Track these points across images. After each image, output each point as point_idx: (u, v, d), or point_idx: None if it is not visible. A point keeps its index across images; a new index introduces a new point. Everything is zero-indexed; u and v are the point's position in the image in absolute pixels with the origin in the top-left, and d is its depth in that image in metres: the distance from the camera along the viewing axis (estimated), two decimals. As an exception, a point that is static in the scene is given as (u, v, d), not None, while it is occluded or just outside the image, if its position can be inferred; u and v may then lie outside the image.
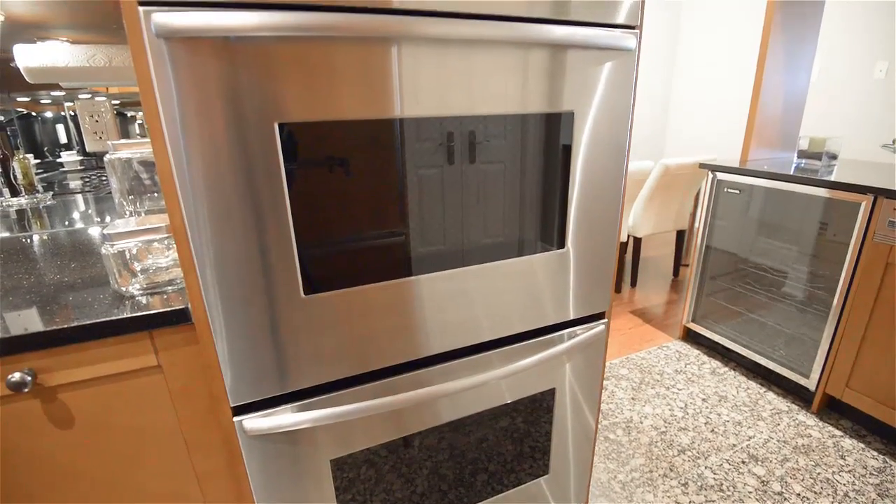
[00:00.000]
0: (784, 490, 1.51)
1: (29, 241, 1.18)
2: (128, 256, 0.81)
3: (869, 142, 2.94)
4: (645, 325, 2.64)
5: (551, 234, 0.91)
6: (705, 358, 2.29)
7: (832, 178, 1.73)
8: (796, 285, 1.91)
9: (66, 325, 0.70)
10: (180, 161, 0.60)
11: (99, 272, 0.92)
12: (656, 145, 4.51)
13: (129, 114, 2.46)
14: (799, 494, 1.49)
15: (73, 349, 0.72)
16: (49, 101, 2.33)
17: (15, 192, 1.68)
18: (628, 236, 3.07)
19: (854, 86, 2.97)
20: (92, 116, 2.04)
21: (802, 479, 1.55)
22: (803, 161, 2.06)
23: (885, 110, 2.84)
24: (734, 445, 1.71)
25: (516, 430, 1.05)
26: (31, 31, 1.60)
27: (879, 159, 2.83)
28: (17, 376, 0.68)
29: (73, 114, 2.36)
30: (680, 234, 3.24)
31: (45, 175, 2.23)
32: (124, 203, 1.02)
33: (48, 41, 1.61)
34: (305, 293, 0.73)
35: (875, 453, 1.65)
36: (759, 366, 2.11)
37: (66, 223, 1.36)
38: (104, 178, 2.07)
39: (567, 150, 0.86)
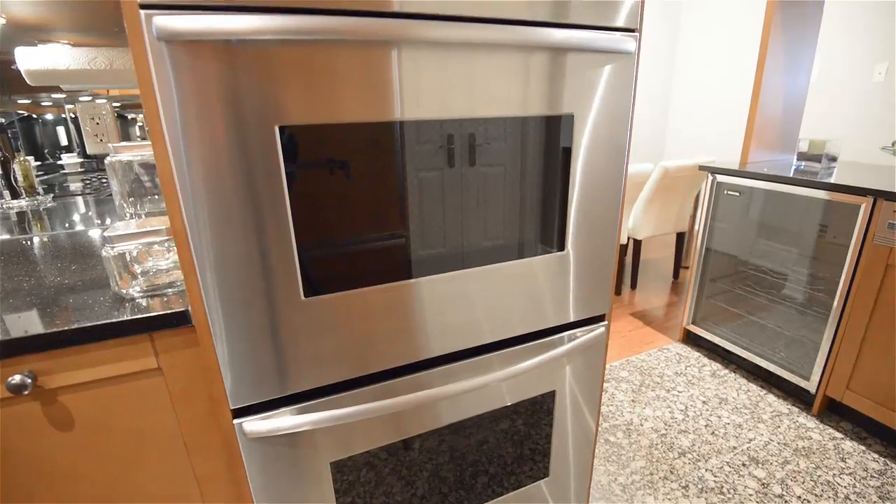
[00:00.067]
0: (785, 493, 1.50)
1: (29, 243, 1.18)
2: (128, 259, 0.82)
3: (868, 144, 2.94)
4: (645, 327, 2.64)
5: (551, 236, 0.91)
6: (705, 360, 2.28)
7: (832, 180, 1.73)
8: (796, 287, 1.91)
9: (66, 328, 0.70)
10: (181, 163, 0.61)
11: (99, 274, 0.92)
12: (656, 147, 4.51)
13: (130, 116, 2.47)
14: (800, 497, 1.48)
15: (74, 351, 0.72)
16: (50, 104, 2.34)
17: (15, 195, 1.68)
18: (628, 238, 3.07)
19: (853, 88, 2.97)
20: (93, 119, 2.04)
21: (803, 482, 1.54)
22: (803, 163, 2.06)
23: (885, 112, 2.85)
24: (734, 448, 1.71)
25: (516, 432, 1.05)
26: (32, 33, 1.60)
27: (879, 161, 2.83)
28: (17, 378, 0.68)
29: (73, 116, 2.37)
30: (680, 237, 3.24)
31: (45, 177, 2.23)
32: (125, 205, 1.02)
33: (49, 44, 1.62)
34: (306, 295, 0.73)
35: (876, 455, 1.64)
36: (760, 368, 2.11)
37: (67, 225, 1.36)
38: (104, 181, 2.07)
39: (567, 153, 0.86)
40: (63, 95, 2.27)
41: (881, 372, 1.62)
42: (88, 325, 0.71)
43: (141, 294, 0.81)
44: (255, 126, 0.62)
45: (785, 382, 2.01)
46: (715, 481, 1.56)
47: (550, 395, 1.05)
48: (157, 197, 1.04)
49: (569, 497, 1.21)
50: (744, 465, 1.63)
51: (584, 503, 1.25)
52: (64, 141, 2.48)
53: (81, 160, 2.42)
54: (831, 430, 1.78)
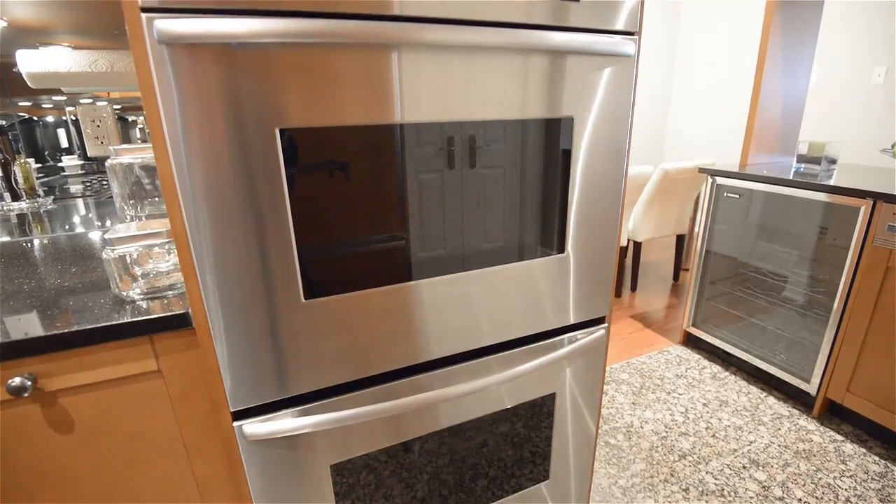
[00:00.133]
0: (785, 495, 1.50)
1: (30, 245, 1.18)
2: (128, 261, 0.82)
3: (868, 146, 2.95)
4: (645, 329, 2.64)
5: (551, 238, 0.91)
6: (706, 362, 2.28)
7: (831, 182, 1.73)
8: (796, 289, 1.91)
9: (66, 330, 0.70)
10: (181, 166, 0.61)
11: (99, 277, 0.92)
12: (655, 148, 4.52)
13: (130, 118, 2.47)
14: (800, 500, 1.48)
15: (74, 354, 0.72)
16: (50, 106, 2.34)
17: (16, 197, 1.69)
18: (628, 241, 3.07)
19: (853, 90, 2.98)
20: (93, 121, 2.04)
21: (804, 485, 1.54)
22: (802, 165, 2.07)
23: (884, 114, 2.85)
24: (735, 450, 1.70)
25: (516, 434, 1.05)
26: (33, 36, 1.61)
27: (878, 163, 2.84)
28: (17, 381, 0.68)
29: (74, 118, 2.37)
30: (680, 239, 3.24)
31: (46, 179, 2.23)
32: (125, 207, 1.02)
33: (50, 46, 1.62)
34: (306, 298, 0.73)
35: (876, 458, 1.64)
36: (760, 370, 2.11)
37: (67, 227, 1.36)
38: (105, 183, 2.07)
39: (567, 155, 0.86)
40: (64, 98, 2.27)
41: (882, 374, 1.62)
42: (89, 327, 0.71)
43: (141, 296, 0.81)
44: (256, 129, 0.63)
45: (785, 385, 2.01)
46: (715, 484, 1.56)
47: (550, 398, 1.05)
48: (157, 199, 1.04)
49: (569, 499, 1.21)
50: (744, 467, 1.62)
51: (584, 506, 1.25)
52: (64, 143, 2.49)
53: (82, 162, 2.42)
54: (832, 433, 1.78)
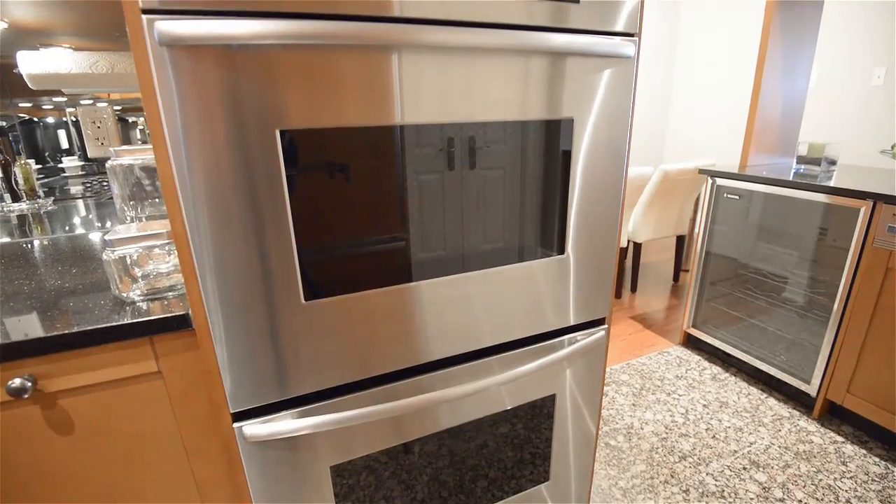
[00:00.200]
0: (786, 497, 1.50)
1: (30, 246, 1.18)
2: (129, 262, 0.82)
3: (868, 147, 2.95)
4: (645, 330, 2.64)
5: (551, 239, 0.91)
6: (706, 363, 2.28)
7: (831, 183, 1.73)
8: (797, 290, 1.91)
9: (66, 331, 0.70)
10: (182, 167, 0.61)
11: (100, 278, 0.92)
12: (655, 149, 4.52)
13: (131, 119, 2.47)
14: (801, 501, 1.48)
15: (74, 355, 0.72)
16: (51, 107, 2.35)
17: (16, 198, 1.69)
18: (628, 242, 3.07)
19: (852, 91, 2.98)
20: (94, 122, 2.05)
21: (804, 486, 1.54)
22: (802, 167, 2.07)
23: (884, 115, 2.85)
24: (735, 452, 1.70)
25: (517, 436, 1.05)
26: (34, 37, 1.61)
27: (878, 165, 2.84)
28: (17, 382, 0.68)
29: (74, 119, 2.37)
30: (680, 240, 3.24)
31: (46, 180, 2.23)
32: (126, 209, 1.02)
33: (51, 48, 1.62)
34: (306, 299, 0.73)
35: (877, 459, 1.64)
36: (760, 371, 2.11)
37: (67, 228, 1.37)
38: (105, 184, 2.07)
39: (567, 156, 0.86)
40: (64, 99, 2.27)
41: (882, 375, 1.62)
42: (89, 328, 0.71)
43: (141, 297, 0.81)
44: (256, 130, 0.63)
45: (785, 386, 2.01)
46: (716, 485, 1.55)
47: (551, 399, 1.05)
48: (157, 200, 1.04)
49: (569, 501, 1.21)
50: (745, 468, 1.62)
51: (584, 507, 1.24)
52: (65, 144, 2.49)
53: (82, 163, 2.42)
54: (832, 434, 1.77)
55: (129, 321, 0.73)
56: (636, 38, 0.83)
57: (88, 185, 2.12)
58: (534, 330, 0.97)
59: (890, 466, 1.61)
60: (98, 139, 2.11)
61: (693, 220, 3.22)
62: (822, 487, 1.53)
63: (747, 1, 3.54)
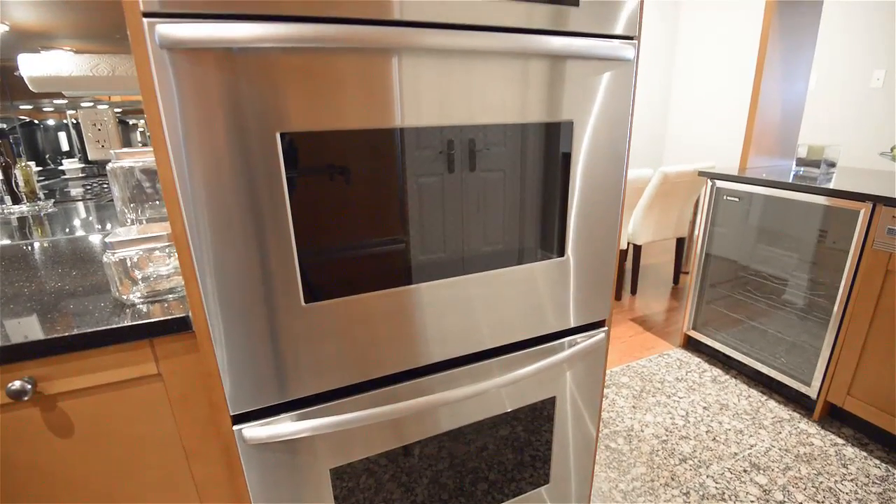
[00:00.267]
0: (786, 499, 1.50)
1: (30, 248, 1.18)
2: (129, 264, 0.82)
3: (867, 150, 2.95)
4: (645, 332, 2.64)
5: (551, 241, 0.91)
6: (706, 366, 2.28)
7: (831, 185, 1.73)
8: (796, 293, 1.91)
9: (66, 334, 0.70)
10: (182, 170, 0.61)
11: (100, 280, 0.92)
12: (655, 151, 4.53)
13: (131, 122, 2.47)
14: (801, 504, 1.48)
15: (74, 357, 0.72)
16: (51, 109, 2.35)
17: (17, 200, 1.69)
18: (628, 244, 3.08)
19: (852, 94, 2.99)
20: (94, 125, 2.05)
21: (805, 489, 1.54)
22: (802, 169, 2.07)
23: (883, 118, 2.86)
24: (736, 454, 1.70)
25: (517, 438, 1.05)
26: (35, 40, 1.62)
27: (878, 167, 2.84)
28: (17, 384, 0.68)
29: (75, 122, 2.38)
30: (680, 242, 3.24)
31: (46, 182, 2.24)
32: (126, 211, 1.02)
33: (52, 50, 1.63)
34: (306, 301, 0.73)
35: (877, 462, 1.64)
36: (761, 374, 2.11)
37: (68, 231, 1.37)
38: (105, 186, 2.08)
39: (567, 159, 0.86)
40: (65, 101, 2.28)
41: (882, 377, 1.62)
42: (89, 330, 0.71)
43: (141, 300, 0.81)
44: (257, 133, 0.63)
45: (786, 388, 2.00)
46: (716, 488, 1.55)
47: (551, 402, 1.05)
48: (158, 203, 1.04)
49: (570, 503, 1.21)
50: (745, 471, 1.62)
51: (584, 510, 1.24)
52: (65, 146, 2.49)
53: (83, 166, 2.43)
54: (833, 436, 1.77)
55: (130, 323, 0.73)
56: (635, 41, 0.84)
57: (89, 187, 2.12)
58: (534, 332, 0.97)
59: (891, 469, 1.60)
60: (99, 141, 2.12)
61: (693, 222, 3.22)
62: (823, 490, 1.53)
63: (747, 4, 3.54)
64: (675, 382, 2.14)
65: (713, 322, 2.28)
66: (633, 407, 1.98)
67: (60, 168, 2.41)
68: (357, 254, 0.75)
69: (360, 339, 0.80)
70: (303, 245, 0.70)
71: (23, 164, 1.69)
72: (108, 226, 1.41)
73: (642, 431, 1.83)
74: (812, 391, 1.85)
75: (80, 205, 1.76)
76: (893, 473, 1.59)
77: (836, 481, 1.56)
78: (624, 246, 3.06)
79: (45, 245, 1.21)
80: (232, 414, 0.75)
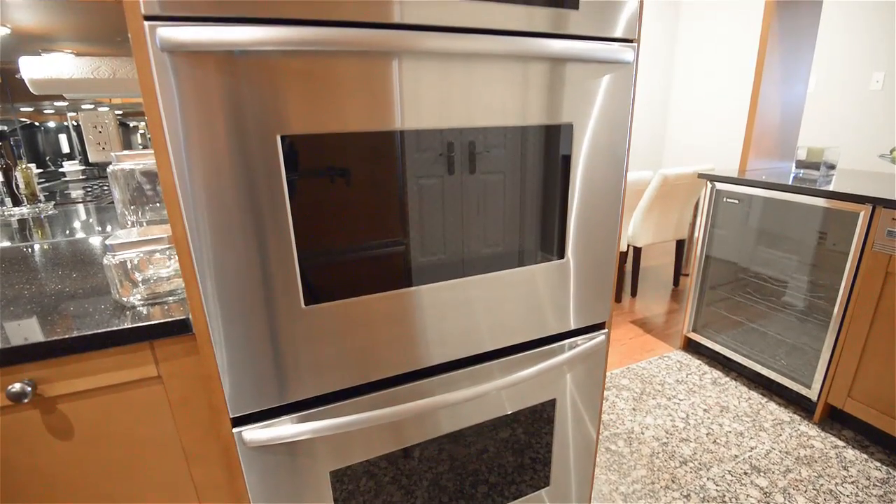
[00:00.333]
0: (787, 501, 1.49)
1: (30, 250, 1.18)
2: (129, 266, 0.82)
3: (866, 151, 2.96)
4: (645, 334, 2.64)
5: (551, 244, 0.91)
6: (706, 368, 2.28)
7: (830, 187, 1.74)
8: (797, 295, 1.91)
9: (66, 336, 0.70)
10: (183, 172, 0.61)
11: (100, 282, 0.93)
12: (654, 153, 4.53)
13: (132, 124, 2.48)
14: (802, 506, 1.48)
15: (74, 360, 0.72)
16: (52, 111, 2.35)
17: (17, 202, 1.69)
18: (628, 246, 3.08)
19: (851, 96, 2.99)
20: (95, 127, 2.05)
21: (805, 491, 1.53)
22: (801, 171, 2.07)
23: (883, 120, 2.86)
24: (736, 456, 1.70)
25: (517, 441, 1.05)
26: (36, 42, 1.62)
27: (877, 169, 2.85)
28: (17, 387, 0.68)
29: (75, 124, 2.38)
30: (680, 244, 3.25)
31: (47, 184, 2.24)
32: (126, 213, 1.02)
33: (53, 53, 1.63)
34: (306, 303, 0.73)
35: (878, 464, 1.64)
36: (761, 376, 2.10)
37: (68, 233, 1.37)
38: (106, 188, 2.08)
39: (566, 161, 0.86)
40: (65, 103, 2.28)
41: (883, 380, 1.62)
42: (89, 333, 0.71)
43: (142, 302, 0.82)
44: (257, 135, 0.63)
45: (786, 390, 2.00)
46: (717, 490, 1.55)
47: (551, 404, 1.05)
48: (158, 205, 1.04)
49: (570, 506, 1.20)
50: (745, 473, 1.62)
51: (585, 512, 1.24)
52: (66, 149, 2.49)
53: (83, 168, 2.43)
54: (833, 439, 1.77)
55: (130, 326, 0.73)
56: (635, 44, 0.84)
57: (89, 189, 2.12)
58: (534, 334, 0.97)
59: (891, 471, 1.60)
60: (99, 144, 2.12)
61: (693, 224, 3.23)
62: (824, 492, 1.52)
63: (746, 5, 3.55)
64: (676, 384, 2.14)
65: (713, 324, 2.28)
66: (634, 409, 1.98)
67: (61, 170, 2.41)
68: (357, 256, 0.75)
69: (360, 341, 0.80)
70: (303, 247, 0.70)
71: (23, 166, 1.69)
72: (109, 228, 1.41)
73: (643, 434, 1.82)
74: (812, 393, 1.85)
75: (81, 207, 1.76)
76: (894, 476, 1.58)
77: (836, 484, 1.56)
78: (624, 248, 3.06)
79: (46, 247, 1.21)
80: (232, 416, 0.75)
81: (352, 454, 0.86)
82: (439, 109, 0.73)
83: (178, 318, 0.76)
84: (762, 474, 1.61)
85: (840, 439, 1.76)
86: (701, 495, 1.53)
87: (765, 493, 1.53)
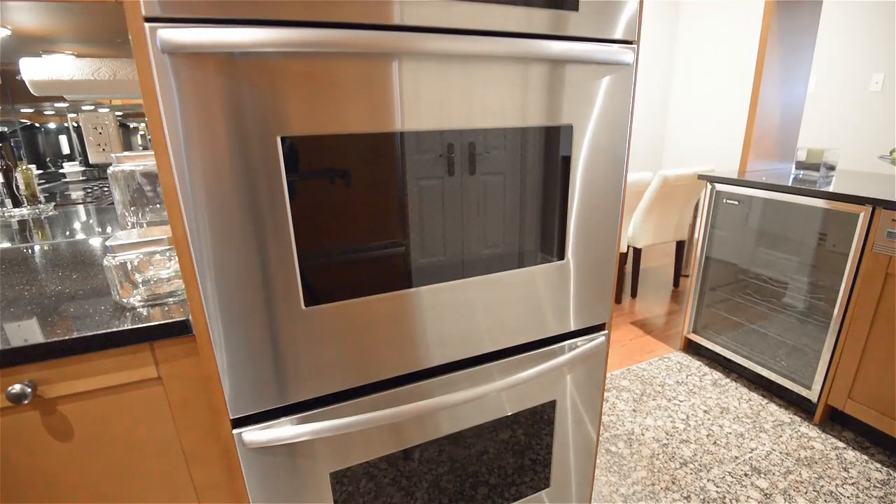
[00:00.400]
0: (787, 503, 1.49)
1: (31, 251, 1.18)
2: (129, 268, 0.82)
3: (866, 153, 2.96)
4: (646, 336, 2.64)
5: (551, 245, 0.91)
6: (706, 369, 2.28)
7: (830, 188, 1.74)
8: (797, 296, 1.91)
9: (66, 337, 0.70)
10: (183, 173, 0.61)
11: (100, 283, 0.93)
12: (654, 155, 4.53)
13: (132, 125, 2.48)
14: (803, 508, 1.47)
15: (74, 361, 0.72)
16: (52, 113, 2.35)
17: (17, 203, 1.69)
18: (628, 247, 3.08)
19: (851, 97, 2.99)
20: (95, 128, 2.05)
21: (806, 492, 1.53)
22: (801, 172, 2.07)
23: (882, 121, 2.86)
24: (736, 458, 1.70)
25: (517, 442, 1.05)
26: (36, 44, 1.62)
27: (877, 170, 2.85)
28: (17, 388, 0.68)
29: (76, 125, 2.38)
30: (680, 245, 3.25)
31: (47, 186, 2.24)
32: (127, 214, 1.02)
33: (54, 54, 1.63)
34: (306, 305, 0.73)
35: (878, 465, 1.63)
36: (761, 377, 2.10)
37: (68, 234, 1.37)
38: (106, 189, 2.08)
39: (566, 162, 0.86)
40: (66, 105, 2.28)
41: (883, 381, 1.61)
42: (89, 334, 0.71)
43: (142, 303, 0.82)
44: (257, 136, 0.63)
45: (786, 391, 2.00)
46: (717, 492, 1.55)
47: (551, 405, 1.05)
48: (158, 206, 1.04)
49: (570, 508, 1.20)
50: (746, 475, 1.61)
51: (585, 514, 1.24)
52: (66, 150, 2.50)
53: (83, 169, 2.43)
54: (833, 440, 1.77)
55: (130, 327, 0.73)
56: (635, 46, 0.84)
57: (89, 190, 2.12)
58: (534, 336, 0.97)
59: (892, 472, 1.60)
60: (99, 145, 2.12)
61: (693, 225, 3.23)
62: (824, 494, 1.52)
63: (746, 5, 3.56)
64: (676, 386, 2.14)
65: (713, 325, 2.28)
66: (634, 410, 1.97)
67: (61, 171, 2.41)
68: (357, 257, 0.75)
69: (360, 342, 0.80)
70: (303, 248, 0.70)
71: (24, 167, 1.69)
72: (109, 229, 1.41)
73: (643, 435, 1.82)
74: (813, 394, 1.85)
75: (81, 208, 1.76)
76: (894, 477, 1.58)
77: (837, 485, 1.56)
78: (624, 249, 3.06)
79: (46, 248, 1.21)
80: (232, 417, 0.75)
81: (352, 455, 0.86)
82: (439, 111, 0.73)
83: (178, 319, 0.76)
84: (762, 476, 1.61)
85: (840, 441, 1.76)
86: (701, 497, 1.53)
87: (765, 495, 1.53)
